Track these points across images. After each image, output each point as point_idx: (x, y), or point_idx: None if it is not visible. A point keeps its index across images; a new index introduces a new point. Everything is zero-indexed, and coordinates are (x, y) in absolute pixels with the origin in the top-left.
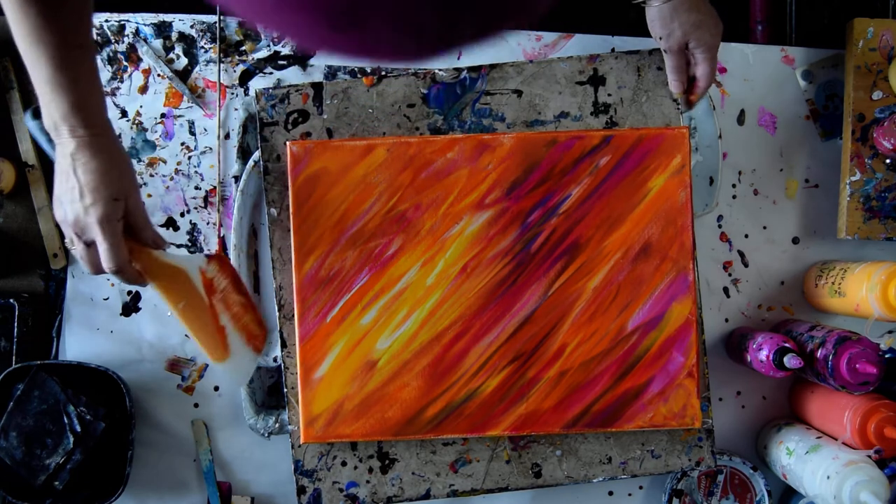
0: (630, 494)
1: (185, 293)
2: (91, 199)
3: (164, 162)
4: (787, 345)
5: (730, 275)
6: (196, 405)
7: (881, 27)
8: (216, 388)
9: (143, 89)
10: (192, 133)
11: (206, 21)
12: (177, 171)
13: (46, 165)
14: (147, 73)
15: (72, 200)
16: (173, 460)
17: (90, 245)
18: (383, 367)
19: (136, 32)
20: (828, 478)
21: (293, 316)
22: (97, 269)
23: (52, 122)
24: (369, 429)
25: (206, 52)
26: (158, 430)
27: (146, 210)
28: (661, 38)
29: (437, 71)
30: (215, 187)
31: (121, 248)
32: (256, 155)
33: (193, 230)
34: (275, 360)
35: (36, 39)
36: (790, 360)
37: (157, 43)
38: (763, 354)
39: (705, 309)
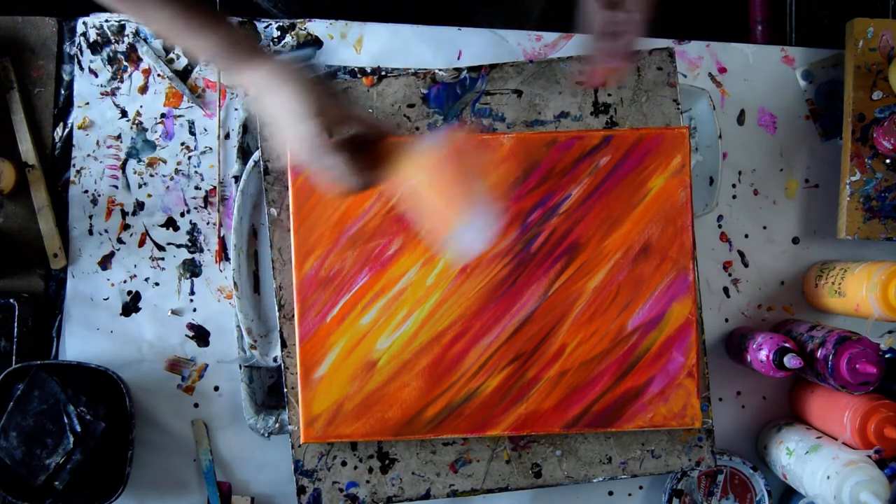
0: (630, 494)
1: (423, 167)
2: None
3: (164, 162)
4: (787, 345)
5: (730, 275)
6: (196, 405)
7: (881, 27)
8: (216, 388)
9: (143, 89)
10: (192, 133)
11: None
12: (177, 171)
13: (46, 165)
14: (147, 73)
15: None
16: (173, 460)
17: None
18: (383, 367)
19: (136, 32)
20: (828, 478)
21: (293, 316)
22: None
23: (225, 75)
24: (369, 429)
25: None
26: (158, 430)
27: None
28: None
29: (437, 71)
30: (215, 187)
31: (338, 158)
32: (256, 155)
33: (193, 230)
34: (275, 360)
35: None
36: (790, 360)
37: (157, 43)
38: (763, 354)
39: (705, 309)
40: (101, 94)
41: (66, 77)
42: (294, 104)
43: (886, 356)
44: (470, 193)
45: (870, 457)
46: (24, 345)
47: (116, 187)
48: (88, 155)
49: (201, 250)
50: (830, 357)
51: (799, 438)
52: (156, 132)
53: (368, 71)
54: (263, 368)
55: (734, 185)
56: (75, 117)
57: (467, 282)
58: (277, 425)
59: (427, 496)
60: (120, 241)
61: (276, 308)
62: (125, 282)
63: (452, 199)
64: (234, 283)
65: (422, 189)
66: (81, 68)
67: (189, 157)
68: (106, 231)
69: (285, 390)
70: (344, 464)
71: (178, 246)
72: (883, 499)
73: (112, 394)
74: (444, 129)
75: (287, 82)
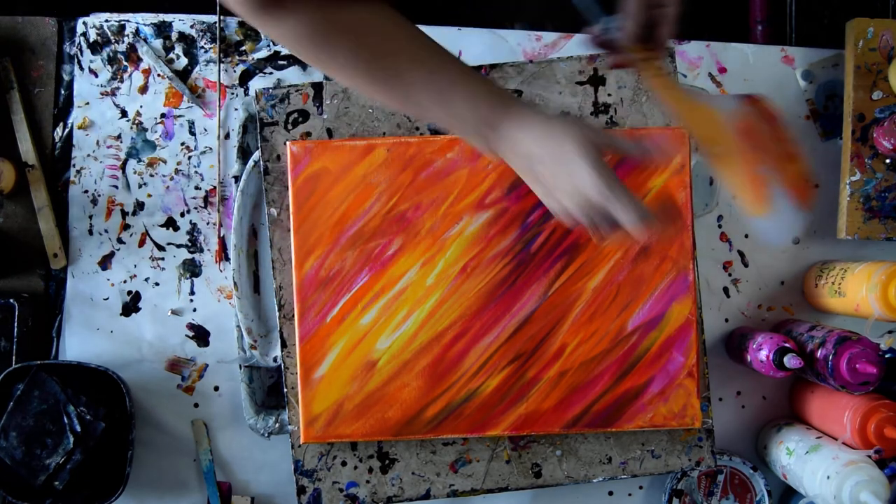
0: (630, 494)
1: (717, 138)
2: (567, 170)
3: (164, 162)
4: (787, 345)
5: (730, 275)
6: (196, 405)
7: (881, 27)
8: (216, 388)
9: (143, 89)
10: (192, 133)
11: (206, 21)
12: (177, 171)
13: (46, 165)
14: (147, 73)
15: (559, 194)
16: (173, 460)
17: (612, 219)
18: (383, 367)
19: (136, 32)
20: (828, 478)
21: (293, 316)
22: (643, 233)
23: (482, 144)
24: (369, 429)
25: (206, 52)
26: (158, 430)
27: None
28: None
29: None
30: (215, 187)
31: (633, 195)
32: (256, 155)
33: (193, 230)
34: (275, 360)
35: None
36: (790, 360)
37: (157, 43)
38: (763, 354)
39: (705, 309)
40: (101, 94)
41: (66, 77)
42: (581, 159)
43: (886, 356)
44: (773, 173)
45: (870, 457)
46: (24, 345)
47: (116, 187)
48: (88, 155)
49: (201, 250)
50: (830, 357)
51: (799, 438)
52: (156, 132)
53: None
54: (263, 368)
55: None
56: (75, 117)
57: (467, 282)
58: (277, 425)
59: (427, 496)
60: (120, 241)
61: (276, 308)
62: (125, 282)
63: (756, 179)
64: (234, 283)
65: (723, 156)
66: (81, 68)
67: (189, 157)
68: (106, 231)
69: (285, 390)
70: (344, 464)
71: (178, 246)
72: (883, 499)
73: (112, 394)
74: (741, 98)
75: (564, 136)
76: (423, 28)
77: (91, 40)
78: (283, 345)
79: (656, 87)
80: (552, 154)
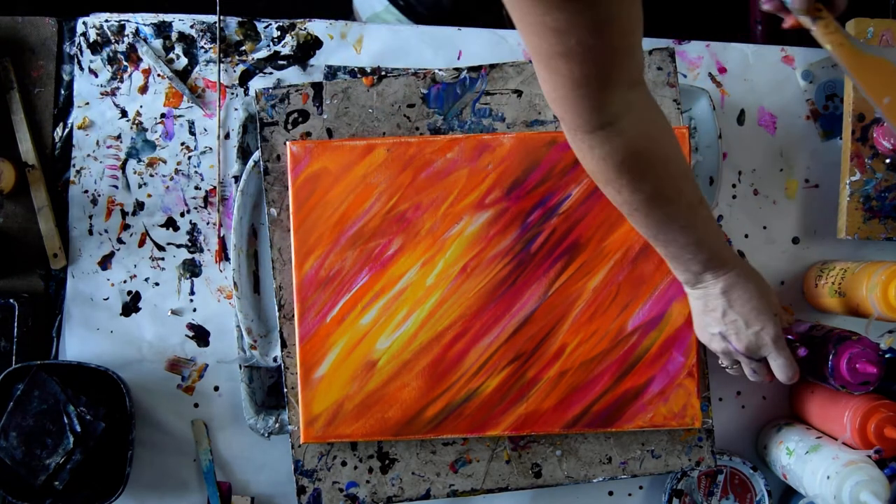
0: (630, 494)
1: (892, 88)
2: (760, 325)
3: (164, 162)
4: (788, 336)
5: None
6: (196, 405)
7: (881, 27)
8: (216, 388)
9: (143, 89)
10: (192, 133)
11: (205, 21)
12: (177, 171)
13: (46, 165)
14: (147, 73)
15: (738, 332)
16: (173, 460)
17: (760, 360)
18: (383, 367)
19: (136, 32)
20: (828, 478)
21: (293, 316)
22: (770, 379)
23: (690, 275)
24: (369, 429)
25: (206, 52)
26: (158, 430)
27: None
28: None
29: (437, 71)
30: (215, 187)
31: (790, 357)
32: (256, 155)
33: (193, 230)
34: (275, 360)
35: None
36: (799, 351)
37: (157, 43)
38: None
39: None
40: (101, 94)
41: (66, 77)
42: (773, 320)
43: (886, 356)
44: None
45: (870, 457)
46: (24, 345)
47: (116, 187)
48: (88, 155)
49: (201, 250)
50: (830, 357)
51: (799, 438)
52: (156, 132)
53: (368, 71)
54: (263, 368)
55: (734, 185)
56: (75, 117)
57: (467, 282)
58: (277, 425)
59: (427, 496)
60: (120, 241)
61: (276, 308)
62: (125, 282)
63: None
64: (234, 283)
65: (887, 114)
66: (81, 68)
67: (189, 157)
68: (106, 231)
69: (285, 390)
70: (344, 464)
71: (178, 246)
72: (883, 499)
73: (112, 394)
74: None
75: (747, 288)
76: (423, 28)
77: (91, 40)
78: (283, 345)
79: (830, 44)
80: (753, 307)
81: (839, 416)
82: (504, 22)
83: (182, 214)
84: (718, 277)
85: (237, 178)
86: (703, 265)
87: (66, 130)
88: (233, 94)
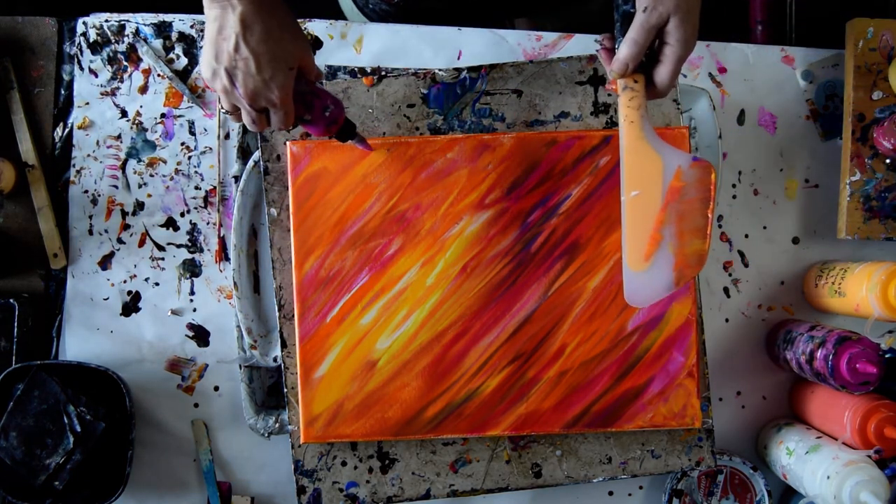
0: (630, 494)
1: (646, 184)
2: (270, 72)
3: (164, 162)
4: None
5: (730, 275)
6: (196, 405)
7: (881, 27)
8: (216, 388)
9: (143, 89)
10: (192, 133)
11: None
12: (177, 171)
13: (46, 165)
14: (147, 73)
15: (246, 72)
16: (173, 460)
17: (261, 111)
18: (383, 367)
19: (136, 32)
20: (828, 478)
21: (293, 316)
22: (263, 128)
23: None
24: (369, 429)
25: None
26: (158, 430)
27: (314, 59)
28: (643, 10)
29: (437, 71)
30: (215, 187)
31: (292, 109)
32: (256, 155)
33: (193, 230)
34: (275, 360)
35: None
36: (358, 143)
37: (157, 43)
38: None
39: (705, 309)
40: (101, 94)
41: (66, 77)
42: (282, 46)
43: (886, 356)
44: (674, 239)
45: (870, 457)
46: (24, 345)
47: (116, 187)
48: (88, 155)
49: (201, 250)
50: (830, 357)
51: (799, 438)
52: (156, 132)
53: (368, 71)
54: (263, 368)
55: (734, 186)
56: (75, 117)
57: (467, 282)
58: (277, 425)
59: (427, 496)
60: (120, 241)
61: (276, 308)
62: (125, 282)
63: (655, 236)
64: (234, 283)
65: (638, 202)
66: (81, 68)
67: (189, 157)
68: (106, 231)
69: (285, 390)
70: (344, 464)
71: (178, 246)
72: (883, 499)
73: (112, 394)
74: (692, 159)
75: (269, 22)
76: (423, 28)
77: (91, 40)
78: (283, 345)
79: (623, 117)
80: (270, 49)
81: (839, 416)
82: (504, 22)
83: (182, 214)
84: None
85: (237, 178)
86: None
87: (66, 130)
88: None
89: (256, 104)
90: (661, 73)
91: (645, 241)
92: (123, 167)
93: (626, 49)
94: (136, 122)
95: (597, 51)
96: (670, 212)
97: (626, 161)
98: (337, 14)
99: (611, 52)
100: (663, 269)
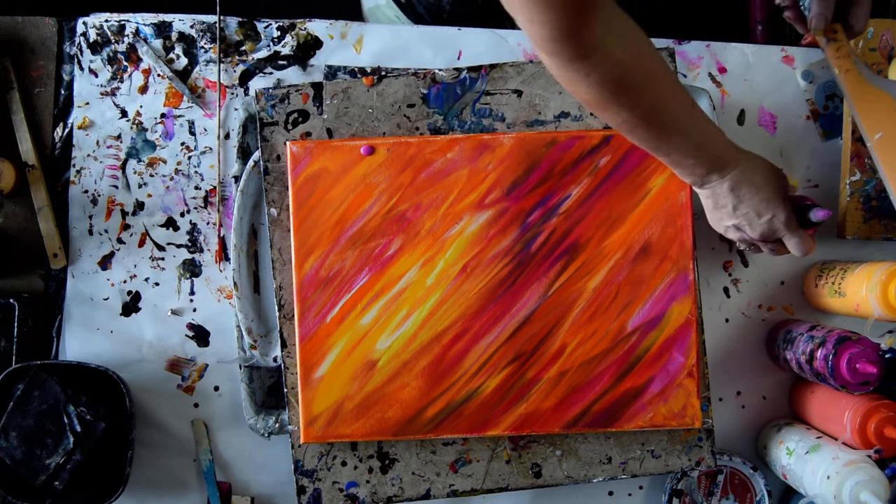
0: (630, 494)
1: (885, 123)
2: (770, 213)
3: (164, 162)
4: (806, 202)
5: (730, 275)
6: (196, 405)
7: (881, 27)
8: (216, 388)
9: (143, 89)
10: (192, 133)
11: (205, 21)
12: (177, 171)
13: (46, 165)
14: (147, 73)
15: (751, 223)
16: (173, 460)
17: (776, 241)
18: (383, 367)
19: (136, 32)
20: (828, 478)
21: (293, 316)
22: (784, 253)
23: (696, 178)
24: (369, 429)
25: (206, 52)
26: (158, 430)
27: (786, 177)
28: None
29: (437, 71)
30: (215, 187)
31: (804, 235)
32: (256, 155)
33: (193, 230)
34: (275, 360)
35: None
36: (815, 214)
37: (157, 43)
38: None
39: (705, 309)
40: (101, 94)
41: (66, 77)
42: (782, 205)
43: (886, 356)
44: None
45: (870, 457)
46: (24, 345)
47: (116, 187)
48: (88, 155)
49: (201, 250)
50: (830, 357)
51: (799, 438)
52: (156, 132)
53: (368, 71)
54: (263, 368)
55: None
56: (75, 117)
57: (467, 282)
58: (277, 425)
59: (427, 496)
60: (120, 241)
61: (276, 308)
62: (125, 282)
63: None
64: (234, 283)
65: (885, 143)
66: (81, 68)
67: (189, 157)
68: (106, 231)
69: (285, 390)
70: (344, 464)
71: (178, 246)
72: (883, 499)
73: (112, 394)
74: None
75: (752, 181)
76: (423, 28)
77: (91, 40)
78: (283, 345)
79: (837, 68)
80: (762, 199)
81: (839, 416)
82: (504, 22)
83: (182, 214)
84: (724, 177)
85: (237, 178)
86: (707, 167)
87: (66, 130)
88: (233, 94)
89: (770, 240)
90: (858, 15)
91: None
92: (123, 167)
93: (822, 1)
94: (136, 122)
95: (784, 15)
96: None
97: (858, 107)
98: (342, 13)
99: (796, 10)
100: None
